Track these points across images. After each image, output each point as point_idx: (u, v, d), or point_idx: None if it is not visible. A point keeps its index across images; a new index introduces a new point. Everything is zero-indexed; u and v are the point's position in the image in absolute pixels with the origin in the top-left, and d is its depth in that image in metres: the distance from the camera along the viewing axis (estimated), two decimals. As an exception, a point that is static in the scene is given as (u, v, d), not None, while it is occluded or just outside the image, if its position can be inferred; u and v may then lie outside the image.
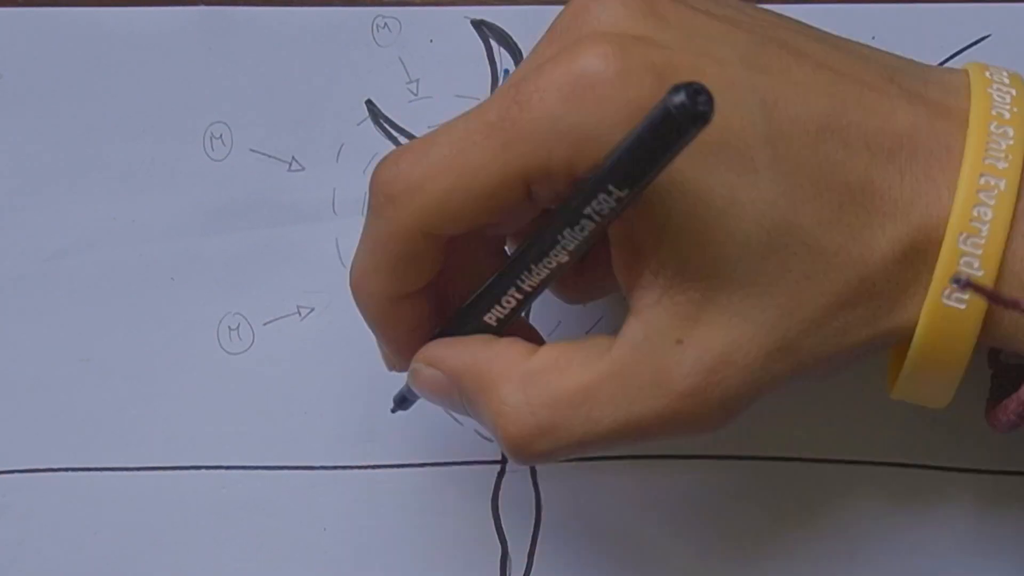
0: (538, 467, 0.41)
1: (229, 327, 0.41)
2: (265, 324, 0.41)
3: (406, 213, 0.32)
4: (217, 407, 0.41)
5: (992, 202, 0.31)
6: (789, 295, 0.31)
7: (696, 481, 0.40)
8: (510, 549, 0.40)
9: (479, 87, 0.41)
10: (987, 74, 0.33)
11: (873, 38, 0.40)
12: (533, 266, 0.32)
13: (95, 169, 0.41)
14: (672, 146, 0.28)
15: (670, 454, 0.41)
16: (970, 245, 0.31)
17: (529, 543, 0.40)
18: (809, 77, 0.32)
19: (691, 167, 0.30)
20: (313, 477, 0.41)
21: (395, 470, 0.41)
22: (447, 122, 0.32)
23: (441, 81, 0.41)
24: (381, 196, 0.32)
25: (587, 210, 0.29)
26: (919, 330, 0.32)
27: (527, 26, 0.41)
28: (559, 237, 0.30)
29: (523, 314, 0.36)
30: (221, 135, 0.41)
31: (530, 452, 0.33)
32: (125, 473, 0.40)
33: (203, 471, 0.40)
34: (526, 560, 0.40)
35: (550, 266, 0.31)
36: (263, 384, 0.41)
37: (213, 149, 0.41)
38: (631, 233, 0.31)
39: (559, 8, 0.41)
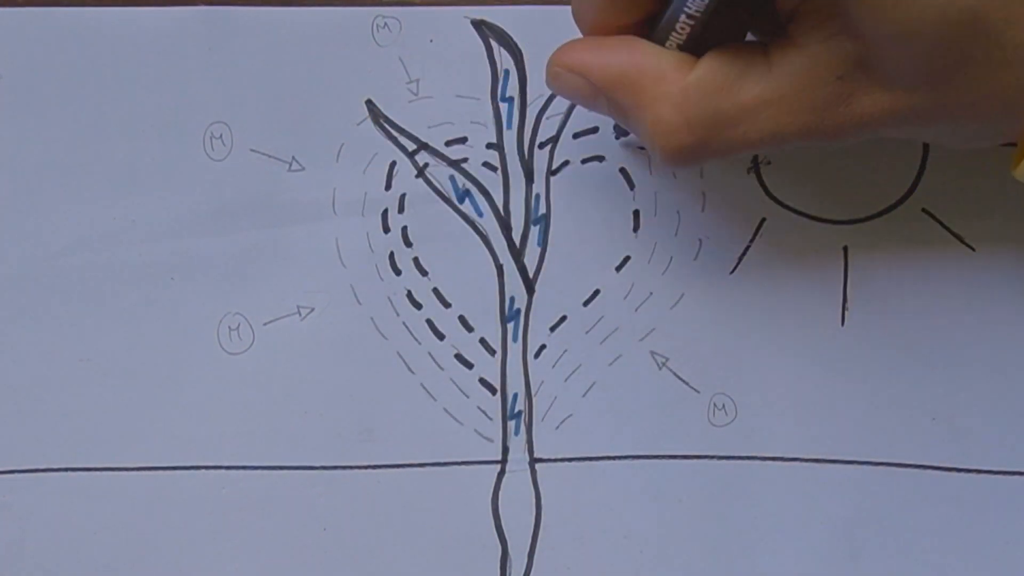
0: (539, 467, 0.41)
1: (229, 327, 0.41)
2: (265, 324, 0.41)
3: None
4: (217, 407, 0.41)
5: None
6: (958, 81, 0.32)
7: (696, 481, 0.40)
8: (510, 549, 0.40)
9: (479, 87, 0.41)
10: None
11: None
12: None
13: (95, 169, 0.41)
14: None
15: (670, 454, 0.41)
16: None
17: (529, 543, 0.41)
18: None
19: None
20: (313, 477, 0.41)
21: (395, 470, 0.41)
22: None
23: (441, 81, 0.41)
24: None
25: None
26: None
27: (527, 26, 0.41)
28: None
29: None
30: (221, 135, 0.41)
31: (684, 162, 0.35)
32: (125, 473, 0.40)
33: (203, 471, 0.41)
34: (526, 560, 0.40)
35: None
36: (263, 384, 0.41)
37: (213, 149, 0.41)
38: None
39: (559, 8, 0.41)
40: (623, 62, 0.35)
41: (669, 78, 0.34)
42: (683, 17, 0.34)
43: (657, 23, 0.35)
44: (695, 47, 0.35)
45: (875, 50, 0.33)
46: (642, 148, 0.41)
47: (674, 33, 0.34)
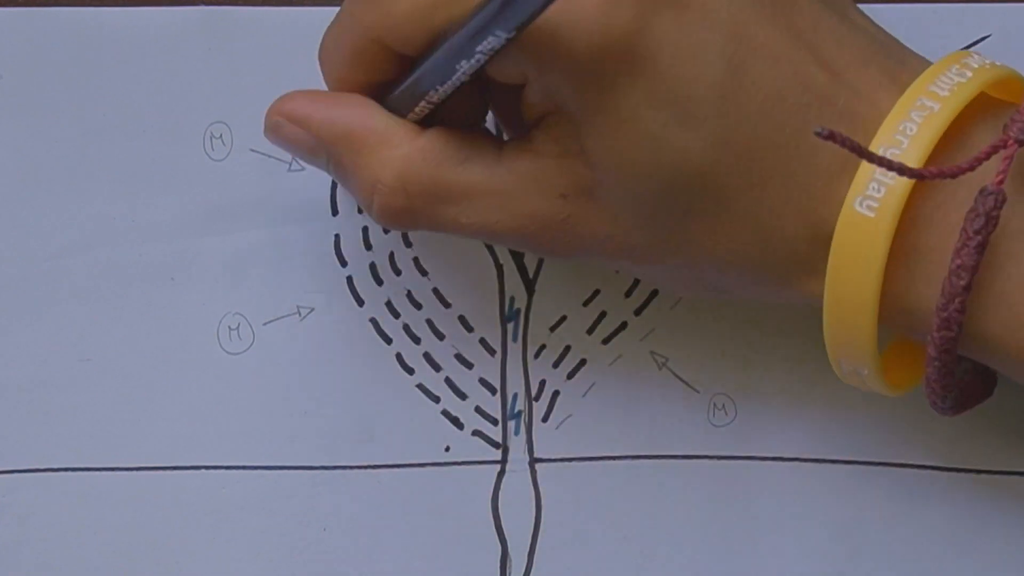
0: (539, 467, 0.41)
1: (229, 327, 0.41)
2: (265, 324, 0.41)
3: (370, 18, 0.33)
4: (217, 407, 0.41)
5: (919, 119, 0.31)
6: (677, 231, 0.33)
7: (696, 481, 0.40)
8: (510, 549, 0.40)
9: (479, 87, 0.41)
10: (966, 59, 0.33)
11: (873, 38, 0.40)
12: (439, 86, 0.33)
13: (95, 169, 0.41)
14: None
15: (670, 454, 0.41)
16: (889, 154, 0.31)
17: (529, 543, 0.40)
18: (787, 48, 0.32)
19: (630, 92, 0.31)
20: (313, 477, 0.41)
21: (395, 470, 0.41)
22: None
23: (441, 81, 0.41)
24: None
25: (479, 48, 0.31)
26: (834, 242, 0.32)
27: (527, 26, 0.41)
28: (456, 67, 0.32)
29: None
30: (221, 135, 0.41)
31: (397, 224, 0.35)
32: (125, 473, 0.40)
33: (203, 471, 0.41)
34: (526, 560, 0.40)
35: (455, 85, 0.33)
36: (263, 384, 0.41)
37: (213, 149, 0.41)
38: (553, 95, 0.33)
39: (559, 8, 0.41)
40: (350, 120, 0.35)
41: (394, 142, 0.34)
42: (423, 102, 0.34)
43: (393, 90, 0.35)
44: (427, 121, 0.35)
45: (604, 182, 0.33)
46: None
47: (411, 113, 0.35)
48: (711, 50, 0.31)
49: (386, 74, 0.35)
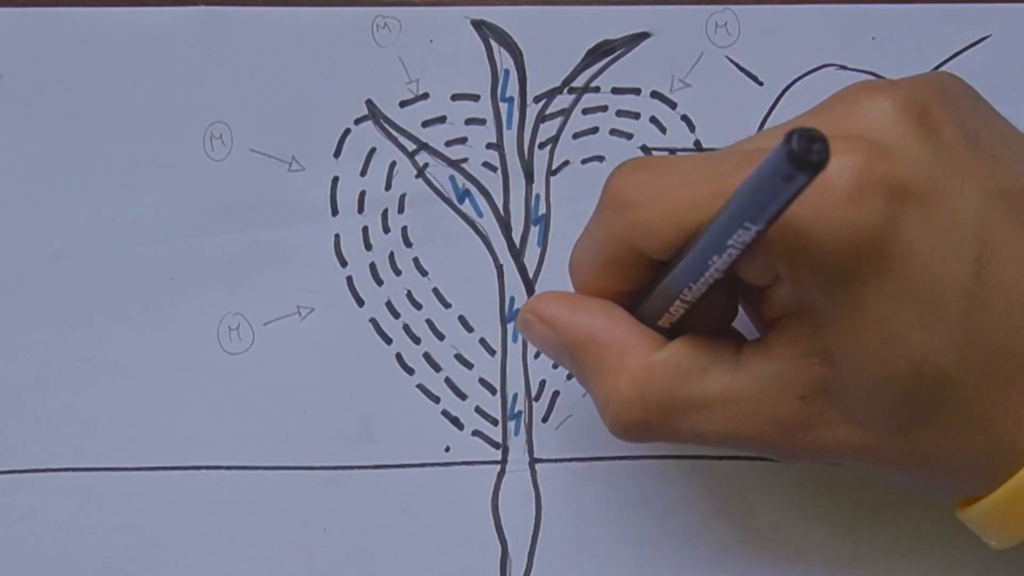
0: (538, 467, 0.41)
1: (229, 327, 0.41)
2: (265, 324, 0.41)
3: (622, 225, 0.33)
4: (217, 407, 0.41)
5: None
6: (915, 434, 0.32)
7: (696, 481, 0.40)
8: (510, 549, 0.40)
9: (479, 87, 0.41)
10: None
11: (873, 38, 0.40)
12: (692, 284, 0.33)
13: (95, 169, 0.41)
14: (791, 188, 0.29)
15: (670, 454, 0.41)
16: None
17: (529, 543, 0.41)
18: None
19: (878, 290, 0.31)
20: (313, 477, 0.41)
21: (395, 470, 0.41)
22: (692, 155, 0.34)
23: (441, 81, 0.41)
24: (607, 200, 0.34)
25: (730, 241, 0.31)
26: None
27: (527, 26, 0.41)
28: (709, 263, 0.32)
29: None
30: (221, 135, 0.41)
31: (632, 437, 0.35)
32: (125, 473, 0.41)
33: (203, 471, 0.41)
34: (526, 560, 0.40)
35: (708, 283, 0.33)
36: (263, 384, 0.41)
37: (213, 149, 0.41)
38: (802, 294, 0.32)
39: (559, 8, 0.41)
40: (594, 326, 0.35)
41: (635, 352, 0.34)
42: (676, 302, 0.34)
43: (645, 297, 0.35)
44: (676, 330, 0.35)
45: (844, 382, 0.32)
46: None
47: (664, 317, 0.34)
48: (959, 249, 0.31)
49: (636, 281, 0.35)
